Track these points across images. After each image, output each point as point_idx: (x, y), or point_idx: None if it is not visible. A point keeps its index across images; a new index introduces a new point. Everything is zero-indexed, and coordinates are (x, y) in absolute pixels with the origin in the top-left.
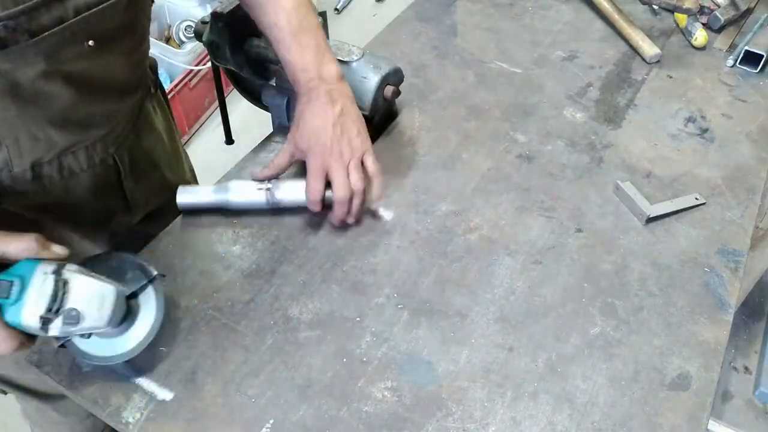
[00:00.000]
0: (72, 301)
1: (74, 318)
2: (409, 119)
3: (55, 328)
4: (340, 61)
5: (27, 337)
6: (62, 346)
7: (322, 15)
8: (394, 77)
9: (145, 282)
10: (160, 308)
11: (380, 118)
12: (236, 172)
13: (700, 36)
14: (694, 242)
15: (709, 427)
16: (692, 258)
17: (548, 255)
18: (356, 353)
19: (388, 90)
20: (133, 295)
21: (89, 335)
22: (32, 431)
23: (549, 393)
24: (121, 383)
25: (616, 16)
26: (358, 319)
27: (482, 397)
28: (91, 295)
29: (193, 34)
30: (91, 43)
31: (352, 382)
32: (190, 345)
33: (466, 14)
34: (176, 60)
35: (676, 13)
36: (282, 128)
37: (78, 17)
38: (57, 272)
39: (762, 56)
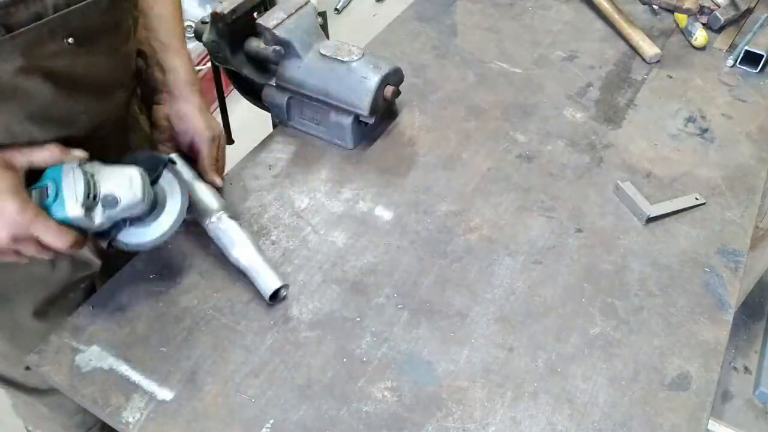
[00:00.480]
0: (104, 187)
1: (112, 200)
2: (409, 119)
3: (98, 215)
4: (340, 61)
5: (79, 234)
6: (110, 245)
7: (322, 15)
8: (394, 77)
9: (161, 167)
10: (183, 188)
11: (380, 118)
12: (236, 172)
13: (700, 36)
14: (694, 242)
15: (709, 427)
16: (692, 258)
17: (548, 255)
18: (356, 353)
19: (388, 90)
20: (154, 183)
21: (128, 222)
22: (25, 427)
23: (549, 393)
24: (122, 383)
25: (616, 16)
26: (358, 319)
27: (482, 397)
28: (119, 177)
29: (193, 34)
30: (71, 40)
31: (352, 382)
32: (190, 345)
33: (466, 14)
34: None
35: (676, 13)
36: (282, 128)
37: (56, 14)
38: (81, 167)
39: (762, 56)
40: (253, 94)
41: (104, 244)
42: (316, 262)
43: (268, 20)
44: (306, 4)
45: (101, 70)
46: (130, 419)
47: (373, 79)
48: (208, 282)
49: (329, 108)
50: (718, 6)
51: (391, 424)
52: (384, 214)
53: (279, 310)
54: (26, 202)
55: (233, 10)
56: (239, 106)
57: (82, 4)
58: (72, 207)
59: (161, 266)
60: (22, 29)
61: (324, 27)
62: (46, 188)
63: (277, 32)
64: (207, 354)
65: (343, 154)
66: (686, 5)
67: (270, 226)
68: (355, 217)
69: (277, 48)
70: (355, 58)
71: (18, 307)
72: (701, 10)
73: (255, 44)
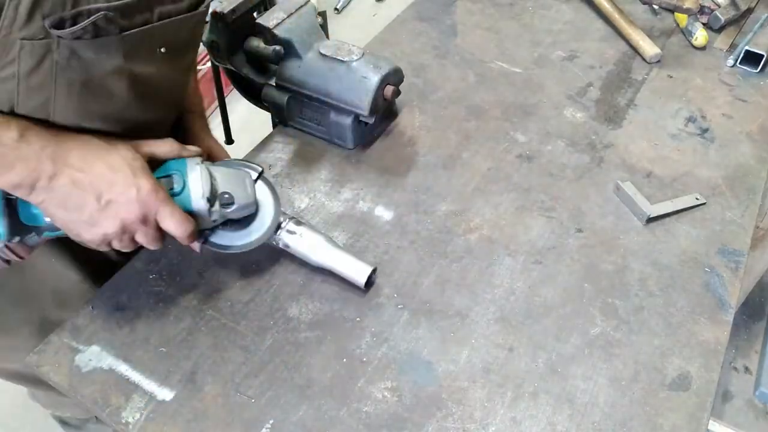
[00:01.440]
0: (222, 186)
1: (228, 200)
2: (409, 119)
3: (216, 212)
4: (339, 60)
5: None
6: (206, 242)
7: (322, 15)
8: (394, 77)
9: (256, 175)
10: (276, 197)
11: (380, 118)
12: None
13: (700, 36)
14: (694, 242)
15: (709, 427)
16: (692, 258)
17: (548, 255)
18: (356, 353)
19: (388, 90)
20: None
21: (222, 225)
22: (44, 409)
23: (549, 393)
24: (121, 383)
25: (616, 16)
26: (358, 319)
27: (482, 398)
28: (235, 178)
29: None
30: (163, 49)
31: (352, 382)
32: (190, 345)
33: (466, 14)
34: None
35: (676, 13)
36: (282, 128)
37: (159, 22)
38: (204, 164)
39: (762, 56)
40: (253, 94)
41: (197, 244)
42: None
43: (268, 20)
44: (306, 3)
45: (175, 84)
46: (130, 419)
47: (373, 79)
48: (208, 282)
49: (329, 108)
50: (719, 6)
51: (391, 424)
52: (384, 214)
53: (279, 310)
54: (158, 184)
55: (233, 10)
56: (239, 106)
57: (182, 16)
58: (198, 200)
59: (161, 266)
60: (133, 31)
61: (324, 27)
62: (171, 178)
63: (277, 32)
64: (207, 354)
65: (343, 154)
66: (686, 5)
67: None
68: (355, 217)
69: (277, 48)
70: (355, 57)
71: (45, 302)
72: (701, 9)
73: (255, 44)
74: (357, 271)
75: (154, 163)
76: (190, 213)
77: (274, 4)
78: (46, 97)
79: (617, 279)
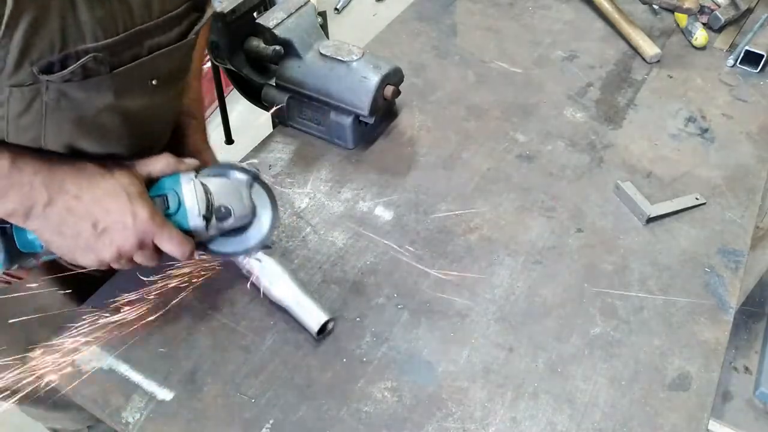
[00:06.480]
0: (218, 200)
1: (225, 213)
2: (409, 119)
3: (213, 226)
4: (339, 60)
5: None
6: (204, 250)
7: (322, 15)
8: (394, 77)
9: (252, 181)
10: (273, 199)
11: (380, 118)
12: None
13: (700, 36)
14: (694, 242)
15: (709, 427)
16: (692, 258)
17: (548, 255)
18: (356, 353)
19: (388, 90)
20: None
21: (220, 235)
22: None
23: (549, 393)
24: (121, 383)
25: (616, 16)
26: (358, 319)
27: (482, 398)
28: (230, 190)
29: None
30: (155, 81)
31: (352, 382)
32: (190, 345)
33: (466, 14)
34: None
35: (676, 13)
36: (282, 128)
37: (150, 55)
38: (198, 178)
39: (762, 56)
40: (253, 94)
41: (197, 253)
42: (316, 262)
43: (268, 20)
44: (306, 3)
45: (167, 111)
46: (130, 419)
47: (373, 79)
48: (208, 282)
49: (329, 108)
50: (719, 6)
51: (391, 424)
52: (384, 214)
53: (279, 311)
54: (154, 209)
55: (233, 10)
56: (239, 106)
57: (172, 47)
58: (194, 219)
59: (161, 266)
60: (123, 68)
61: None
62: (166, 198)
63: (277, 32)
64: (207, 354)
65: (343, 154)
66: (686, 5)
67: None
68: (355, 217)
69: (277, 48)
70: (355, 58)
71: (29, 323)
72: (701, 9)
73: (255, 44)
74: (312, 317)
75: (150, 182)
76: (187, 230)
77: (274, 4)
78: (36, 134)
79: (617, 279)
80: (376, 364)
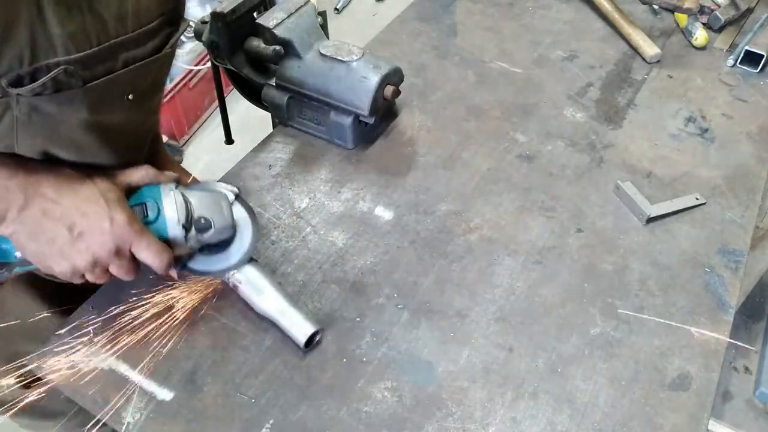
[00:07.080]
0: (198, 211)
1: (205, 225)
2: (409, 119)
3: (192, 238)
4: (339, 60)
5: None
6: (183, 268)
7: (322, 15)
8: (394, 77)
9: (233, 197)
10: (253, 218)
11: (380, 118)
12: (236, 172)
13: (700, 36)
14: (694, 242)
15: (709, 428)
16: (692, 258)
17: (548, 255)
18: (356, 353)
19: (388, 90)
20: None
21: (200, 250)
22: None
23: (549, 393)
24: (121, 383)
25: (616, 16)
26: (358, 319)
27: (482, 398)
28: (211, 202)
29: (193, 34)
30: (131, 96)
31: (352, 382)
32: (190, 345)
33: (466, 14)
34: (176, 60)
35: (676, 13)
36: (282, 128)
37: (125, 69)
38: (178, 189)
39: (762, 56)
40: (253, 94)
41: (175, 271)
42: (316, 262)
43: (268, 20)
44: (306, 3)
45: (142, 126)
46: (130, 419)
47: (373, 79)
48: (208, 282)
49: (329, 108)
50: (719, 6)
51: (391, 424)
52: (384, 214)
53: None
54: (133, 215)
55: (233, 10)
56: (239, 106)
57: (147, 60)
58: (173, 227)
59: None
60: (97, 81)
61: (324, 27)
62: (145, 206)
63: (277, 32)
64: (207, 354)
65: (343, 154)
66: (686, 5)
67: (270, 226)
68: (355, 217)
69: (277, 48)
70: (355, 58)
71: (14, 337)
72: (701, 9)
73: (255, 44)
74: (299, 329)
75: (129, 191)
76: (166, 241)
77: (274, 4)
78: (10, 143)
79: (617, 279)
80: (376, 364)
